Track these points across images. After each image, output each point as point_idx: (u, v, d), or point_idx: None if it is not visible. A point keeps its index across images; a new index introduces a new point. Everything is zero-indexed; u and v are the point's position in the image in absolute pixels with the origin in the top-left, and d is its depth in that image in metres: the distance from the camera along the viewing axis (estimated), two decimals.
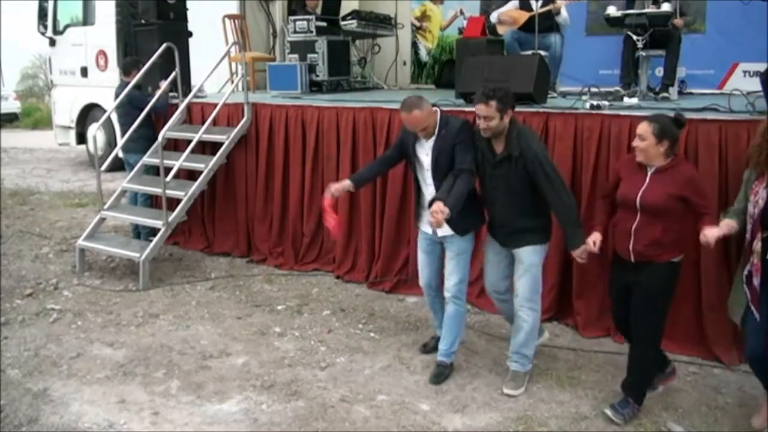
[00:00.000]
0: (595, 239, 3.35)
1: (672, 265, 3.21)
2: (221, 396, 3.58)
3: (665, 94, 5.21)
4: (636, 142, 3.17)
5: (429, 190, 3.68)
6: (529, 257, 3.52)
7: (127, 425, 3.30)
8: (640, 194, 3.15)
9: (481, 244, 4.05)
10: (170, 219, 5.40)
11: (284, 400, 3.53)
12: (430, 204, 3.43)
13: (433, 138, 3.61)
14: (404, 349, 4.14)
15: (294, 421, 3.33)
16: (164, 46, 5.89)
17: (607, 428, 3.27)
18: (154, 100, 5.84)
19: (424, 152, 3.66)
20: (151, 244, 5.34)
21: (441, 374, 3.77)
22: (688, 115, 4.09)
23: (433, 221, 3.34)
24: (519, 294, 3.56)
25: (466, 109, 4.82)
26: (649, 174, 3.18)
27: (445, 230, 3.60)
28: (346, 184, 3.81)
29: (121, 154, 6.10)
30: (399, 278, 5.18)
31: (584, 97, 4.75)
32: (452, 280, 3.69)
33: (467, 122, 3.68)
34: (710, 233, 3.05)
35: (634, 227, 3.16)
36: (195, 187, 5.58)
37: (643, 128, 3.15)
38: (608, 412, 3.30)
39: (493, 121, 3.39)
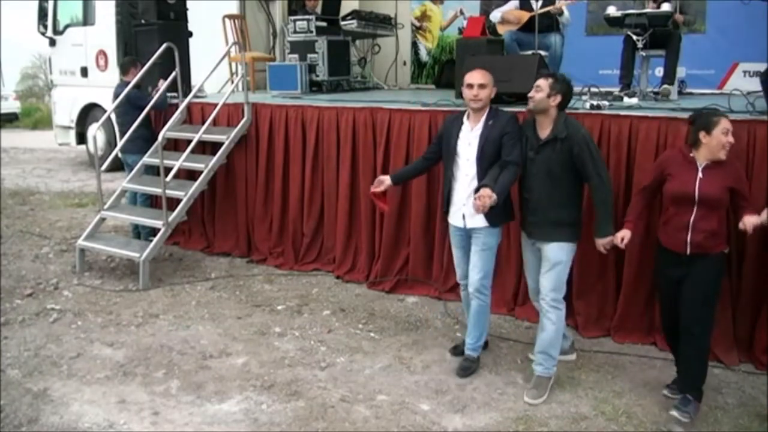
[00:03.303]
0: (624, 235, 3.41)
1: (723, 256, 3.30)
2: (221, 396, 3.58)
3: (665, 94, 5.21)
4: (732, 138, 3.19)
5: (466, 182, 3.65)
6: (556, 254, 3.50)
7: (127, 425, 3.30)
8: (697, 187, 3.19)
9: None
10: (170, 219, 5.40)
11: (284, 400, 3.53)
12: (477, 190, 3.47)
13: (480, 126, 3.62)
14: (404, 349, 4.14)
15: (294, 421, 3.33)
16: (164, 46, 5.89)
17: (607, 428, 3.27)
18: (153, 100, 5.83)
19: (467, 142, 3.65)
20: (151, 244, 5.34)
21: (468, 368, 3.78)
22: (688, 115, 4.11)
23: (479, 204, 3.38)
24: (542, 291, 3.55)
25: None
26: (700, 168, 3.22)
27: (475, 221, 3.62)
28: (385, 180, 3.88)
29: (120, 155, 6.10)
30: (399, 278, 5.18)
31: (584, 97, 4.75)
32: (475, 274, 3.68)
33: (515, 116, 3.71)
34: (749, 220, 3.14)
35: (692, 219, 3.20)
36: (195, 187, 5.58)
37: (730, 125, 3.19)
38: (675, 413, 3.23)
39: (541, 92, 3.45)
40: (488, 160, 3.59)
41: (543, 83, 3.47)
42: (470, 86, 3.60)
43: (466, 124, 3.68)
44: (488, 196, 3.37)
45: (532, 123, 3.58)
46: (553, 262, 3.51)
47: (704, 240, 3.19)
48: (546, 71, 3.57)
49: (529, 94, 3.52)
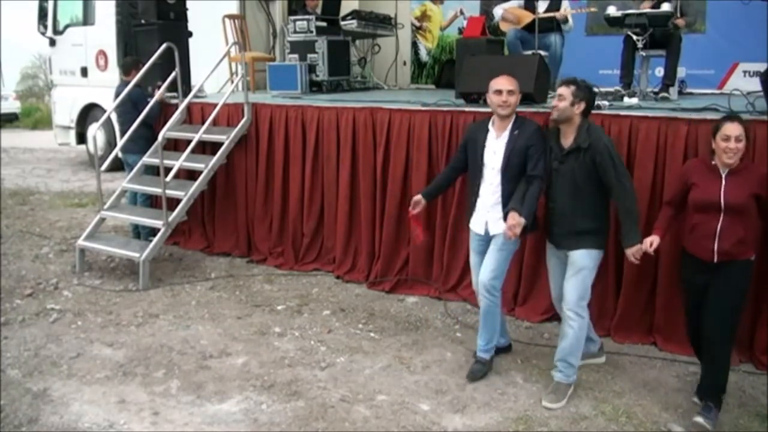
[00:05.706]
0: (652, 240, 3.33)
1: (750, 263, 3.23)
2: (221, 396, 3.58)
3: (665, 94, 5.21)
4: (733, 144, 3.11)
5: (490, 190, 3.63)
6: (582, 260, 3.46)
7: (127, 425, 3.30)
8: (722, 195, 3.14)
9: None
10: (170, 219, 5.40)
11: (284, 400, 3.53)
12: (506, 215, 3.50)
13: (506, 136, 3.59)
14: (404, 349, 4.14)
15: (294, 421, 3.33)
16: (164, 46, 5.89)
17: (607, 428, 3.27)
18: (148, 107, 5.82)
19: (492, 150, 3.62)
20: (151, 244, 5.34)
21: (478, 371, 3.73)
22: (688, 115, 4.12)
23: (510, 234, 3.42)
24: (566, 297, 3.49)
25: (467, 109, 4.83)
26: (723, 175, 3.18)
27: (497, 228, 3.60)
28: (421, 200, 3.80)
29: (120, 155, 6.10)
30: (399, 278, 5.18)
31: None
32: (487, 273, 3.60)
33: (540, 127, 3.69)
34: None
35: (719, 227, 3.14)
36: (195, 187, 5.58)
37: (739, 129, 3.12)
38: (700, 420, 3.19)
39: (564, 101, 3.42)
40: (513, 171, 3.56)
41: (565, 91, 3.42)
42: (499, 92, 3.55)
43: (492, 132, 3.64)
44: (517, 224, 3.39)
45: (556, 132, 3.55)
46: (578, 267, 3.46)
47: (731, 248, 3.14)
48: (568, 79, 3.51)
49: (553, 103, 3.50)
